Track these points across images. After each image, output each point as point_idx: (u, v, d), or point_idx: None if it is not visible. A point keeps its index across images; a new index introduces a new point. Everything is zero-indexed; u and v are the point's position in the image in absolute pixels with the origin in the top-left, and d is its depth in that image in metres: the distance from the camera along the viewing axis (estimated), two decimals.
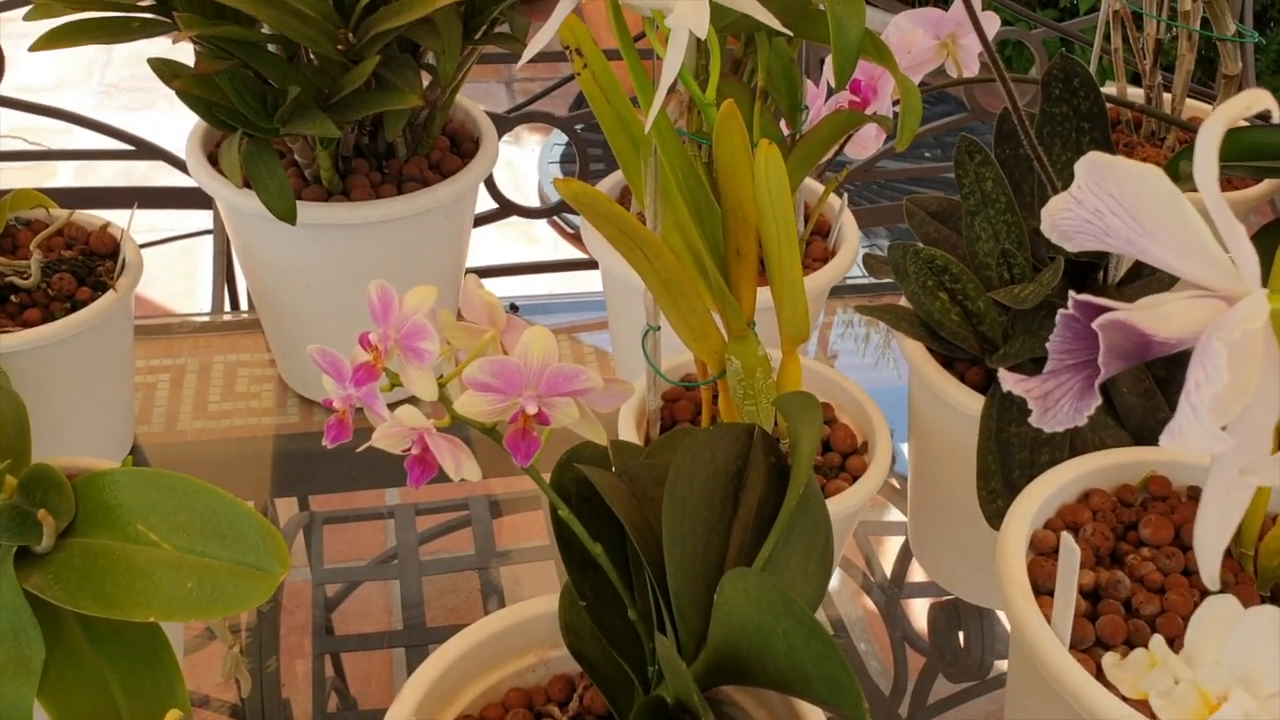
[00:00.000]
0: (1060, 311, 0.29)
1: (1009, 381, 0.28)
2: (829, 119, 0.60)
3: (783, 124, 0.66)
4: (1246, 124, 0.78)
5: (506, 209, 1.00)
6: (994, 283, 0.60)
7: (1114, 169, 0.29)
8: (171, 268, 1.96)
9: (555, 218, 2.29)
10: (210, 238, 1.13)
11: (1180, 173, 0.60)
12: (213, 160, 0.68)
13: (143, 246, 1.17)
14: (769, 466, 0.44)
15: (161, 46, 0.64)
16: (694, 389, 0.61)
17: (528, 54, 0.45)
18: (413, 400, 0.39)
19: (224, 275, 0.97)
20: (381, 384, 0.41)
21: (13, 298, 0.63)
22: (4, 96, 1.04)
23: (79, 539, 0.43)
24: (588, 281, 1.09)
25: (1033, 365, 0.55)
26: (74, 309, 0.62)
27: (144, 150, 1.09)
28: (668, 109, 0.47)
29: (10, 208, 0.67)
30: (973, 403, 0.56)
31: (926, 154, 2.27)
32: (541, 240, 2.24)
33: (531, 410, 0.38)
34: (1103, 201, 0.29)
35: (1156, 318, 0.27)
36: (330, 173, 0.65)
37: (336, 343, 0.71)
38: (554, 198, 2.32)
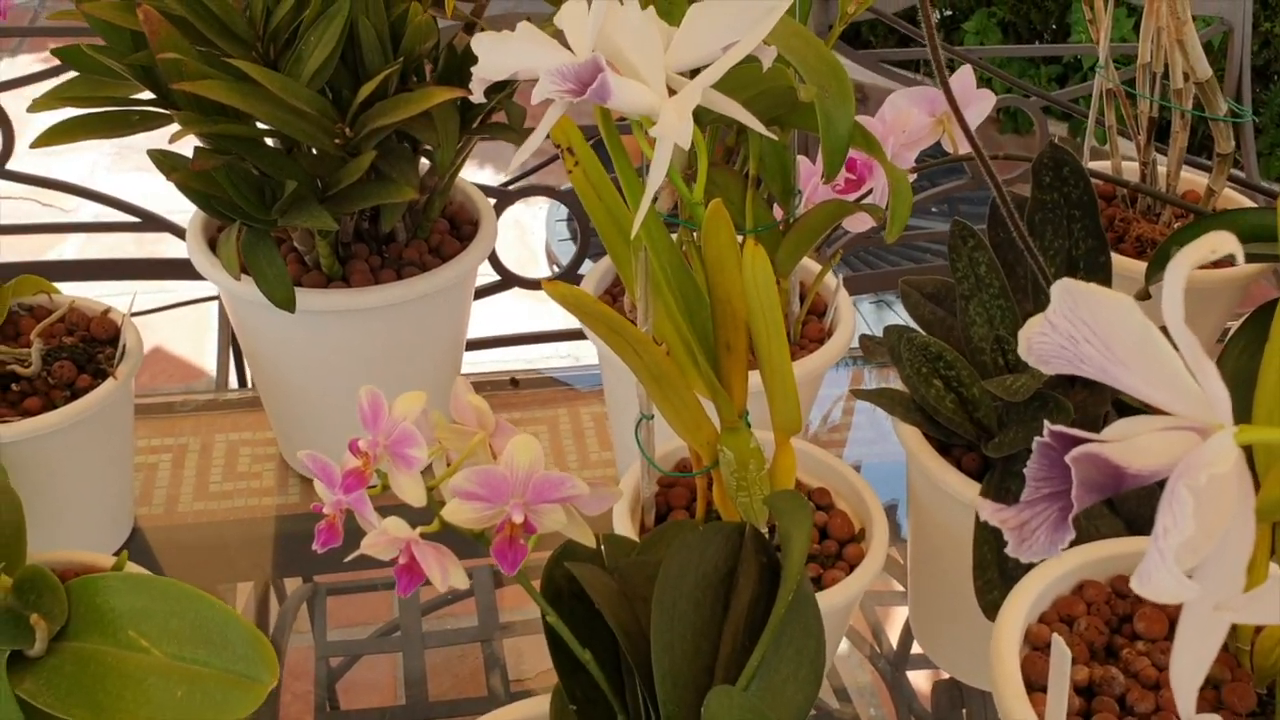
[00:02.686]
0: (1036, 440, 0.29)
1: (986, 511, 0.29)
2: (820, 208, 0.60)
3: (776, 209, 0.66)
4: (1245, 200, 0.78)
5: (508, 281, 1.01)
6: (988, 368, 0.60)
7: (1087, 297, 0.29)
8: (180, 327, 1.97)
9: (555, 269, 2.30)
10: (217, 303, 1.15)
11: (1172, 257, 0.60)
12: (214, 246, 0.68)
13: (151, 312, 1.18)
14: (760, 566, 0.44)
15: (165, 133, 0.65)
16: (688, 477, 0.61)
17: (516, 160, 0.46)
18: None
19: (227, 351, 0.98)
20: (372, 486, 0.41)
21: (13, 386, 0.63)
22: (11, 171, 1.06)
23: (72, 643, 0.43)
24: (588, 349, 1.10)
25: (1028, 454, 0.55)
26: (74, 396, 0.63)
27: (150, 223, 1.10)
28: (657, 198, 0.47)
29: (13, 294, 0.68)
30: (968, 490, 0.56)
31: (934, 209, 2.29)
32: (544, 297, 2.24)
33: (518, 519, 0.38)
34: (1076, 329, 0.29)
35: (1130, 451, 0.27)
36: (330, 259, 0.66)
37: (337, 422, 0.72)
38: (562, 257, 2.34)
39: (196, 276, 1.09)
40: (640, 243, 0.51)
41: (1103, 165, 0.85)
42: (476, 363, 1.10)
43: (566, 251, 2.33)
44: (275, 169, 0.58)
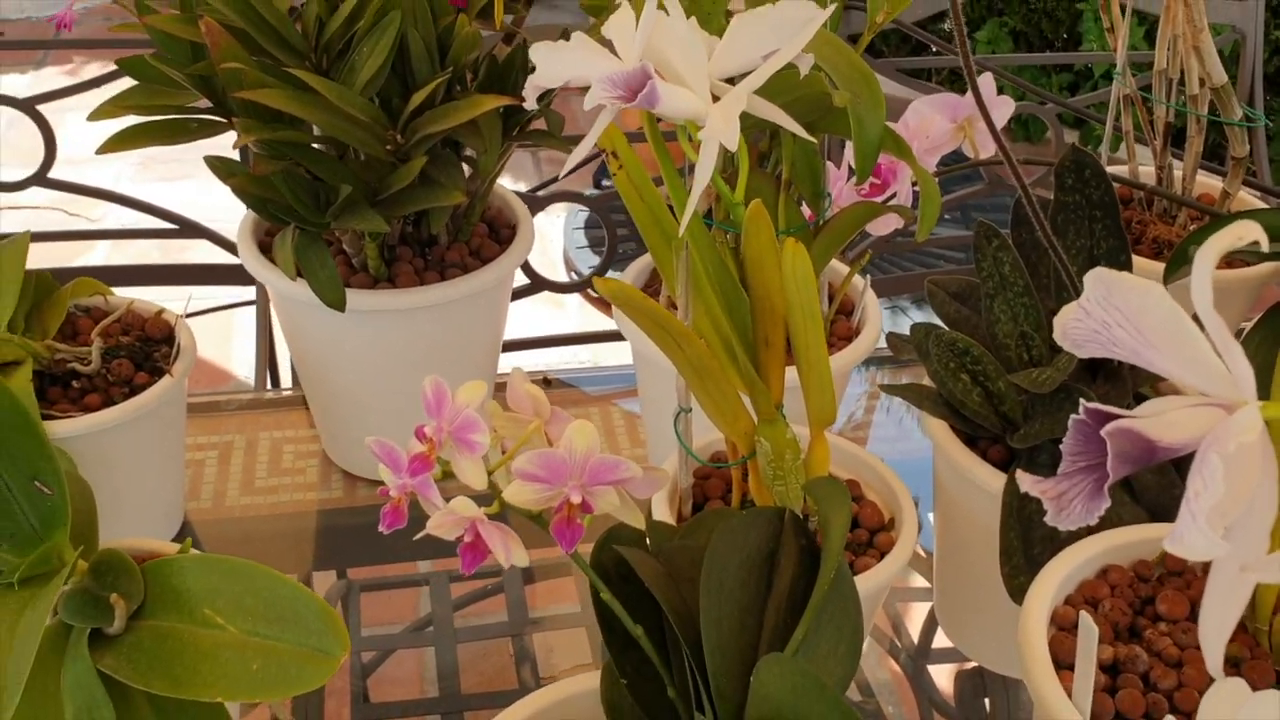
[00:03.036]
0: (1072, 417, 0.31)
1: (1026, 483, 0.31)
2: (849, 210, 0.63)
3: (806, 210, 0.69)
4: (1259, 203, 0.80)
5: (539, 284, 1.04)
6: (1013, 363, 0.62)
7: (1119, 285, 0.31)
8: (207, 332, 2.00)
9: (573, 275, 2.33)
10: (247, 308, 1.17)
11: (1190, 257, 0.62)
12: (263, 248, 0.71)
13: (189, 316, 1.21)
14: (800, 549, 0.46)
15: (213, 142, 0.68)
16: (725, 468, 0.63)
17: (568, 166, 0.48)
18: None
19: (266, 353, 1.00)
20: (434, 473, 0.44)
21: (74, 383, 0.66)
22: (52, 179, 1.09)
23: (148, 621, 0.46)
24: (615, 352, 1.12)
25: (1052, 445, 0.57)
26: (131, 393, 0.65)
27: (187, 229, 1.13)
28: (697, 201, 0.50)
29: (71, 295, 0.70)
30: (995, 480, 0.58)
31: (947, 216, 2.31)
32: (567, 304, 2.28)
33: (576, 499, 0.40)
34: (1109, 314, 0.31)
35: (1161, 425, 0.29)
36: (377, 261, 0.68)
37: (381, 420, 0.75)
38: (579, 264, 2.36)
39: (232, 281, 1.13)
40: (682, 241, 0.53)
41: (1119, 169, 0.87)
42: (506, 363, 1.13)
43: (584, 259, 2.36)
44: (329, 174, 0.60)
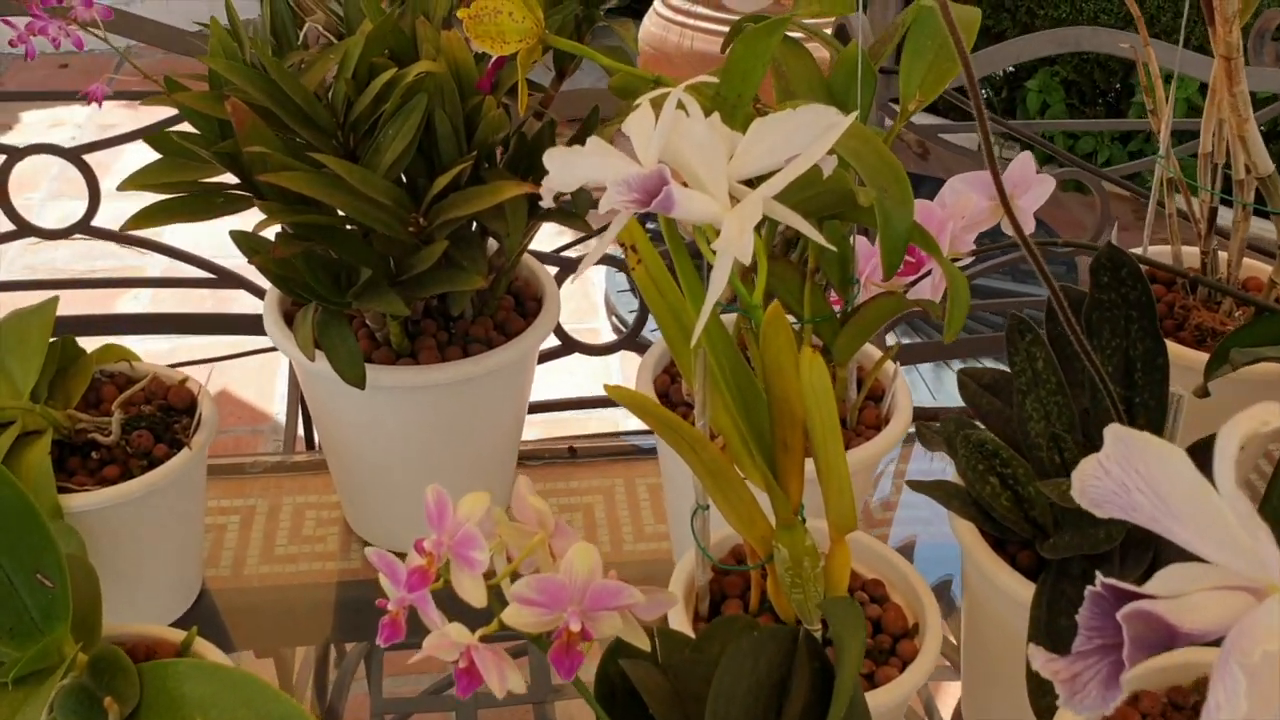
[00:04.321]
0: (1089, 590, 0.29)
1: (1038, 661, 0.29)
2: (877, 303, 0.61)
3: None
4: None
5: (571, 346, 1.03)
6: (1045, 465, 0.60)
7: (1140, 447, 0.29)
8: (246, 371, 2.01)
9: (620, 328, 2.32)
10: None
11: (1232, 360, 0.60)
12: (289, 319, 0.71)
13: (223, 359, 1.21)
14: (813, 673, 0.44)
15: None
16: (742, 571, 0.62)
17: (585, 266, 0.47)
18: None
19: (295, 413, 1.00)
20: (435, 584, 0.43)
21: (93, 454, 0.66)
22: (95, 227, 1.10)
23: None
24: None
25: (1083, 561, 0.55)
26: (150, 465, 0.65)
27: (226, 279, 1.14)
28: (709, 312, 0.48)
29: (96, 361, 0.71)
30: (1024, 590, 0.56)
31: (998, 274, 2.28)
32: (597, 334, 2.27)
33: (575, 627, 0.39)
34: (1129, 476, 0.30)
35: (1183, 609, 0.27)
36: (399, 337, 0.68)
37: (401, 492, 0.74)
38: (621, 308, 2.35)
39: (261, 330, 1.13)
40: (700, 342, 0.52)
41: (1162, 249, 0.85)
42: (535, 422, 1.12)
43: (625, 302, 2.35)
44: (351, 255, 0.60)
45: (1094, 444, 0.62)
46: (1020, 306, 1.52)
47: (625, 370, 2.26)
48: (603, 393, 1.19)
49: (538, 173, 0.68)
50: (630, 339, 1.06)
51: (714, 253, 0.47)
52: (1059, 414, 0.61)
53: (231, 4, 0.64)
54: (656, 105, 0.47)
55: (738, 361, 0.52)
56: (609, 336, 2.33)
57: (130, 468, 0.65)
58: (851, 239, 0.67)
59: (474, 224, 0.66)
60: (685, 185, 0.49)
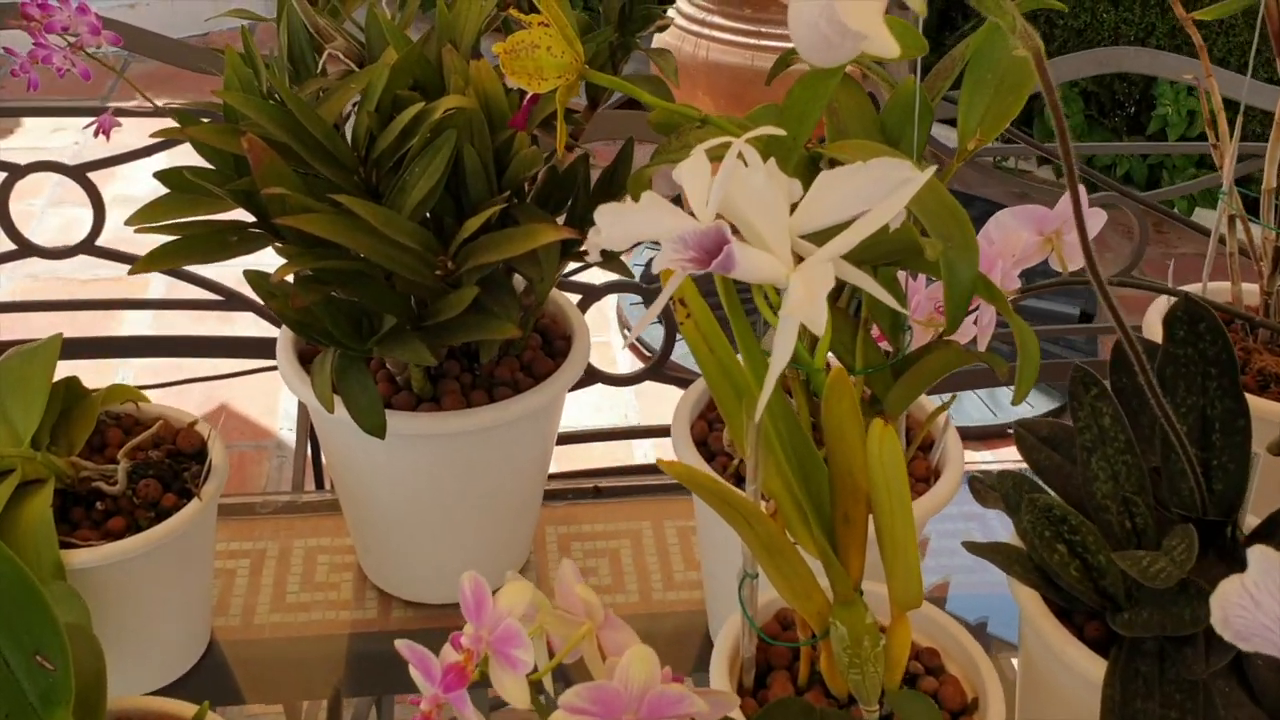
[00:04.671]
0: None
1: None
2: (940, 354, 0.57)
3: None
4: None
5: (593, 376, 0.99)
6: (1114, 530, 0.56)
7: None
8: (248, 384, 1.97)
9: (635, 341, 2.28)
10: None
11: None
12: (303, 359, 0.67)
13: (226, 376, 1.17)
14: None
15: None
16: (794, 647, 0.58)
17: (637, 330, 0.43)
18: None
19: (305, 451, 0.96)
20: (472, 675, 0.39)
21: (98, 504, 0.62)
22: (100, 247, 1.06)
23: None
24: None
25: (1160, 638, 0.51)
26: (158, 516, 0.62)
27: (235, 301, 1.10)
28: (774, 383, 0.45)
29: (102, 403, 0.67)
30: (1093, 667, 0.52)
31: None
32: (619, 365, 2.23)
33: None
34: None
35: None
36: (421, 380, 0.64)
37: (418, 540, 0.70)
38: (634, 320, 2.31)
39: (269, 354, 1.09)
40: (754, 400, 0.48)
41: (1220, 286, 0.81)
42: (558, 454, 1.08)
43: (638, 314, 2.31)
44: (374, 300, 0.56)
45: (1166, 508, 0.58)
46: (1052, 330, 1.49)
47: (646, 416, 2.23)
48: (620, 421, 1.15)
49: (573, 210, 0.65)
50: (657, 368, 1.02)
51: (775, 314, 0.43)
52: (1128, 474, 0.57)
53: (248, 32, 0.60)
54: (715, 152, 0.43)
55: (795, 426, 0.48)
56: (621, 350, 2.29)
57: (137, 519, 0.62)
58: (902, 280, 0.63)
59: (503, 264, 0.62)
60: (742, 239, 0.45)
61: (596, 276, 0.97)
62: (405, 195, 0.55)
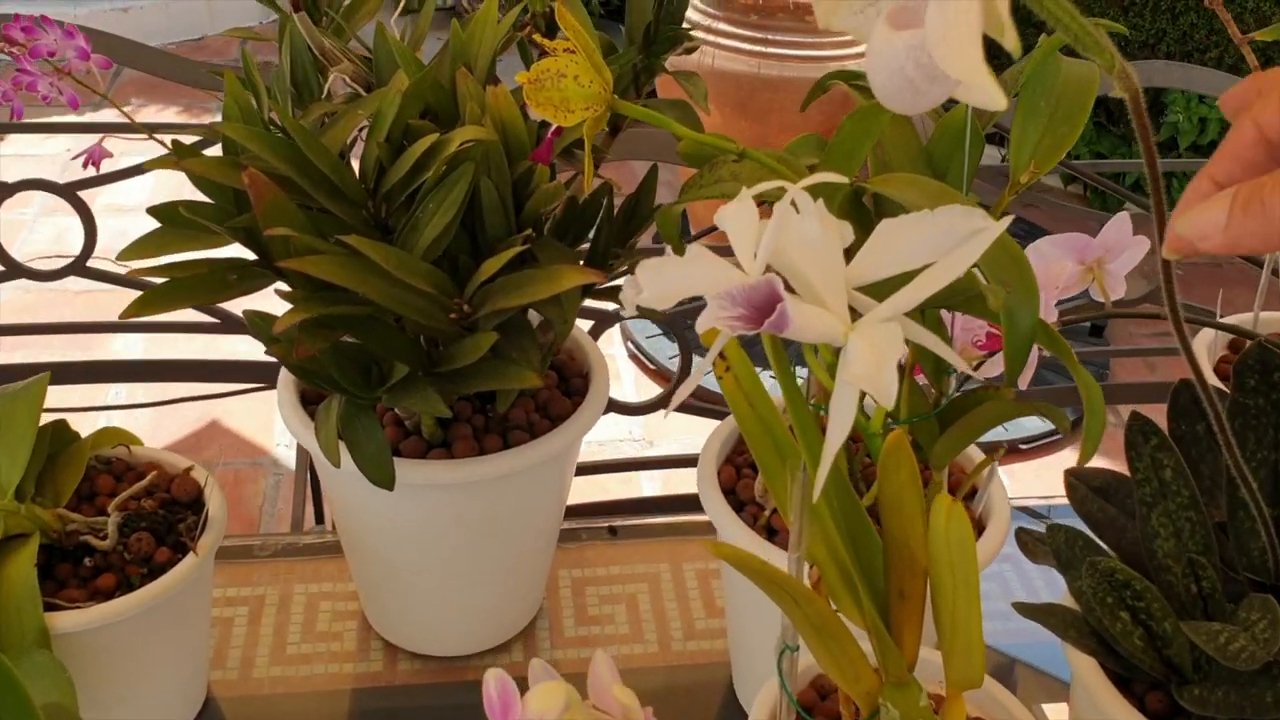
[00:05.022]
0: None
1: None
2: (992, 407, 0.53)
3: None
4: None
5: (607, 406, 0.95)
6: (1178, 592, 0.52)
7: None
8: (243, 399, 1.93)
9: (638, 355, 2.24)
10: None
11: None
12: (306, 399, 0.63)
13: (223, 396, 1.13)
14: None
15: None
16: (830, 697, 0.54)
17: (678, 399, 0.39)
18: None
19: (305, 488, 0.92)
20: None
21: (86, 560, 0.58)
22: (90, 267, 1.02)
23: None
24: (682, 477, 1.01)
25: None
26: (151, 572, 0.58)
27: (229, 325, 1.06)
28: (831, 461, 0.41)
29: (91, 447, 0.63)
30: None
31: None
32: (622, 377, 2.19)
33: None
34: None
35: None
36: (432, 426, 0.60)
37: (427, 591, 0.66)
38: (636, 333, 2.27)
39: (266, 380, 1.05)
40: (799, 461, 0.45)
41: (1273, 316, 0.77)
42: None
43: (641, 327, 2.27)
44: (384, 347, 0.52)
45: (1233, 569, 0.54)
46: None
47: (640, 392, 2.18)
48: (625, 437, 1.11)
49: (595, 244, 0.61)
50: (666, 400, 0.98)
51: (829, 374, 0.39)
52: (1192, 532, 0.53)
53: (249, 54, 0.56)
54: (771, 196, 0.39)
55: (846, 490, 0.44)
56: (625, 365, 2.25)
57: (128, 575, 0.58)
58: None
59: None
60: (790, 291, 0.41)
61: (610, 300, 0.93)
62: (418, 233, 0.51)
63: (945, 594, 0.42)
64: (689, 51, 0.61)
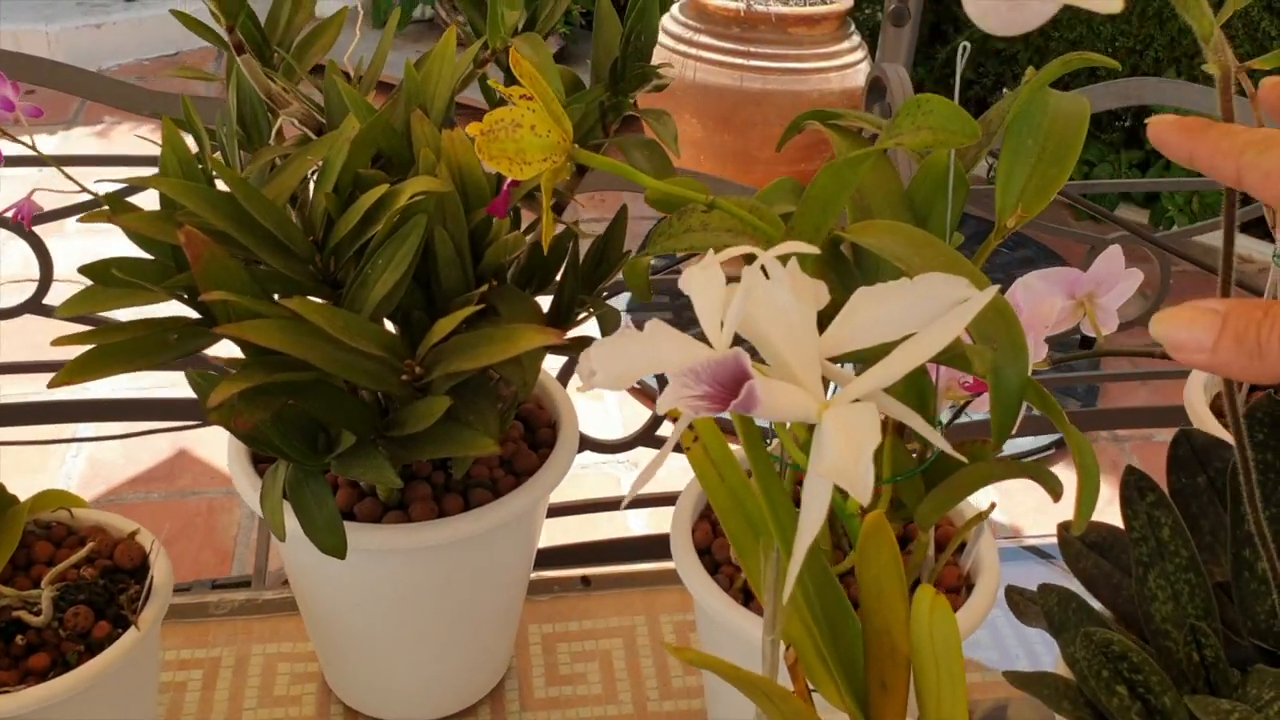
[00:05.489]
0: None
1: None
2: (980, 469, 0.50)
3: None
4: None
5: (582, 444, 0.92)
6: (1178, 659, 0.50)
7: None
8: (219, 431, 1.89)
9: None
10: None
11: None
12: (258, 459, 0.60)
13: (176, 429, 1.09)
14: None
15: None
16: None
17: (634, 490, 0.36)
18: None
19: (268, 536, 0.89)
20: None
21: (18, 638, 0.54)
22: (46, 304, 0.99)
23: None
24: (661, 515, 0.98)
25: None
26: (89, 649, 0.54)
27: (198, 363, 1.02)
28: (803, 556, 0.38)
29: (30, 511, 0.59)
30: None
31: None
32: (605, 397, 2.15)
33: None
34: None
35: None
36: (388, 487, 0.57)
37: (388, 655, 0.63)
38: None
39: None
40: (772, 542, 0.42)
41: None
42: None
43: None
44: (331, 414, 0.49)
45: (1236, 631, 0.52)
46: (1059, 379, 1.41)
47: (626, 417, 2.15)
48: (617, 473, 1.07)
49: (560, 294, 0.58)
50: (648, 434, 0.95)
51: (803, 451, 0.36)
52: (1191, 595, 0.50)
53: (189, 102, 0.53)
54: (732, 270, 0.36)
55: (823, 571, 0.41)
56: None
57: (64, 653, 0.54)
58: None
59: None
60: (760, 361, 0.38)
61: (575, 351, 0.90)
62: (367, 291, 0.48)
63: (930, 692, 0.39)
64: (659, 90, 0.58)
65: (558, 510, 0.97)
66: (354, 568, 0.57)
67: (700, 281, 0.38)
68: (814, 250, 0.35)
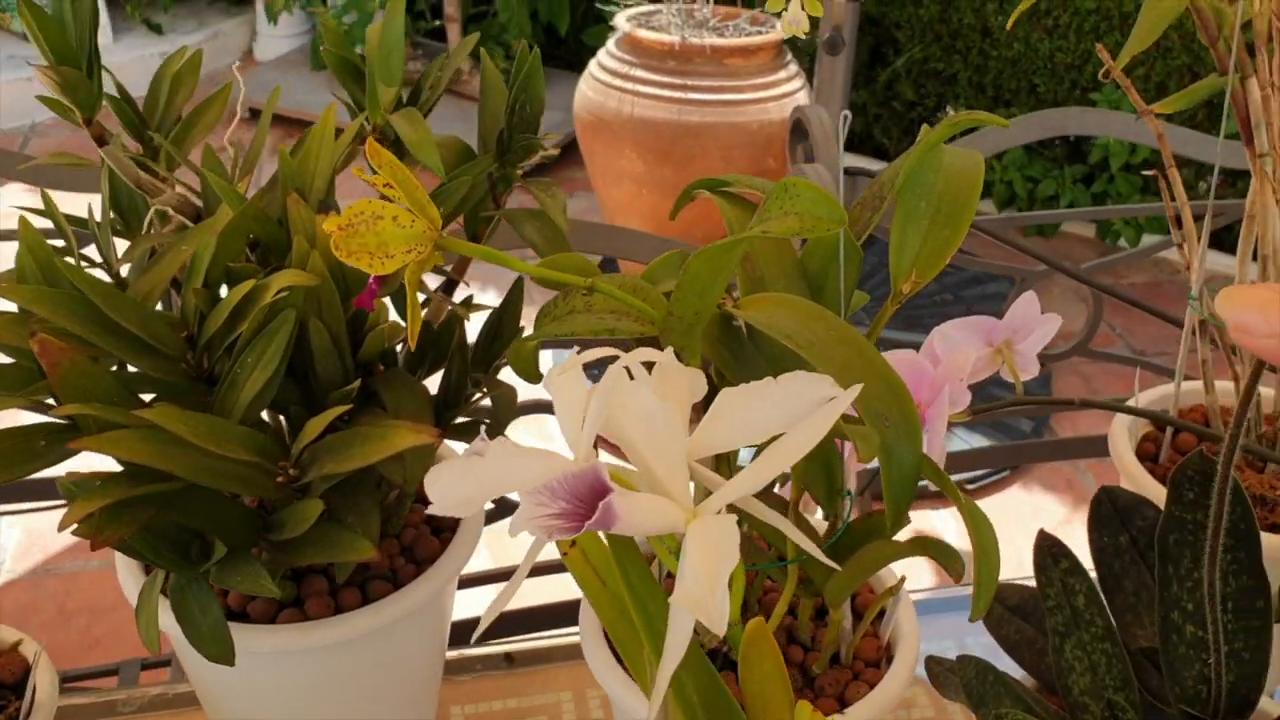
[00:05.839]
0: None
1: None
2: (884, 547, 0.49)
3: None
4: None
5: (503, 511, 0.89)
6: None
7: None
8: None
9: None
10: None
11: None
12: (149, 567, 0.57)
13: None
14: None
15: None
16: None
17: (485, 621, 0.34)
18: None
19: None
20: None
21: None
22: None
23: None
24: None
25: None
26: None
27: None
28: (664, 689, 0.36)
29: None
30: None
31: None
32: (555, 438, 2.12)
33: None
34: None
35: None
36: (281, 582, 0.54)
37: None
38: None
39: None
40: (661, 648, 0.40)
41: (1194, 384, 0.74)
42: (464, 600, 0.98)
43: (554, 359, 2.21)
44: (203, 524, 0.47)
45: (1165, 701, 0.50)
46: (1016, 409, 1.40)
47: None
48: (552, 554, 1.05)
49: (447, 378, 0.56)
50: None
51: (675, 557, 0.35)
52: (1108, 666, 0.49)
53: (49, 196, 0.51)
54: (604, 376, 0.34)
55: (712, 680, 0.39)
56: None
57: None
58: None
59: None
60: (626, 461, 0.37)
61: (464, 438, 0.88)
62: (237, 392, 0.46)
63: None
64: (546, 162, 0.57)
65: (469, 581, 0.94)
66: (250, 673, 0.55)
67: (560, 384, 0.36)
68: (670, 359, 0.33)
